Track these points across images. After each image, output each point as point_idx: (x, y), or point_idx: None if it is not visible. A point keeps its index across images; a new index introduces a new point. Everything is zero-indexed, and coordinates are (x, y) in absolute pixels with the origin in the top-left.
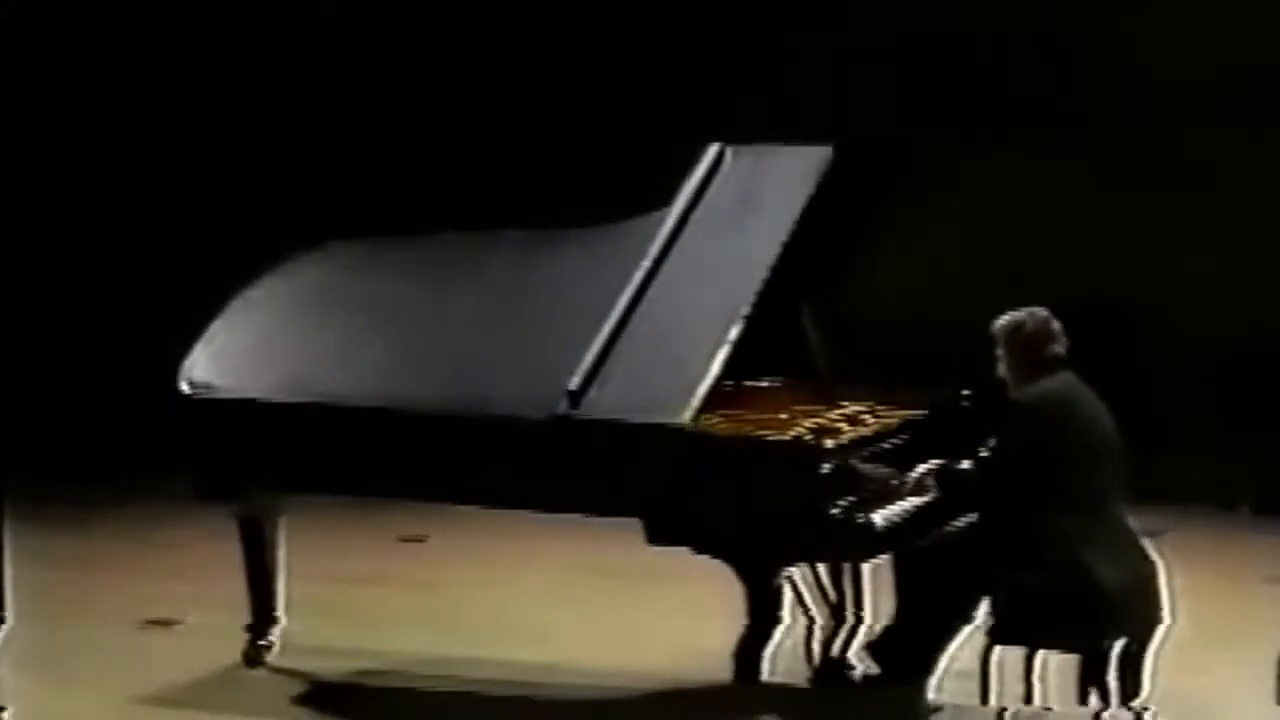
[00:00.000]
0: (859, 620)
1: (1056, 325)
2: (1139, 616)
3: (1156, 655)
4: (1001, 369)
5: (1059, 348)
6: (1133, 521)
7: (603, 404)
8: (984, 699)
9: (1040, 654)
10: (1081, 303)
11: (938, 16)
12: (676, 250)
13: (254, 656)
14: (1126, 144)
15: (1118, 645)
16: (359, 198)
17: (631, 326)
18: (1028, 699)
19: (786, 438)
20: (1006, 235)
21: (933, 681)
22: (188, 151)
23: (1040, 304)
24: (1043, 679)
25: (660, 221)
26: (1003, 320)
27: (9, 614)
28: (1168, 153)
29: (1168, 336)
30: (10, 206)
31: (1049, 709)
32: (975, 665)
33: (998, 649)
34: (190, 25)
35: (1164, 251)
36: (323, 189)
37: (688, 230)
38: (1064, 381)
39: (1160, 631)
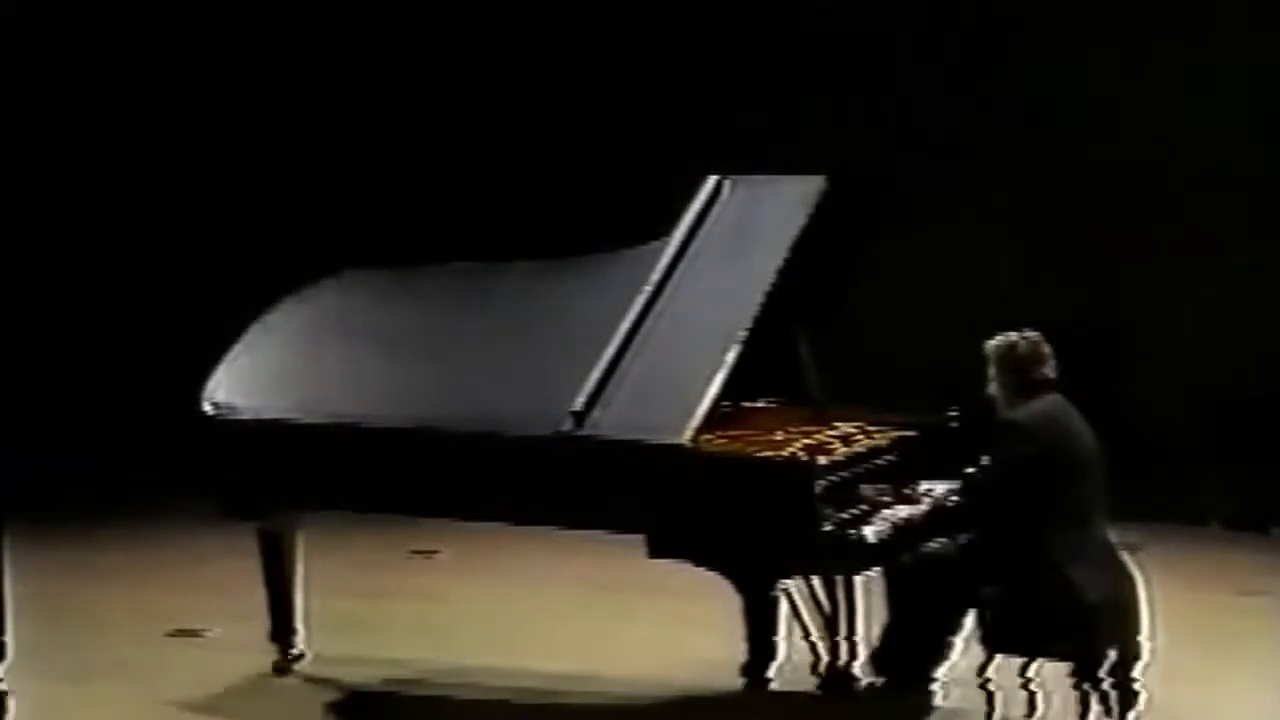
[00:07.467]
0: (853, 631)
1: (1048, 348)
2: (1121, 628)
3: (1147, 666)
4: (992, 388)
5: (1049, 370)
6: (1112, 536)
7: (606, 424)
8: (987, 707)
9: (1040, 664)
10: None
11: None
12: (677, 277)
13: (283, 666)
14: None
15: (1109, 655)
16: (374, 228)
17: (634, 350)
18: (1030, 709)
19: (781, 456)
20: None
21: (935, 690)
22: (217, 169)
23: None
24: (1046, 690)
25: (661, 250)
26: (996, 341)
27: (9, 645)
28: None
29: (1144, 363)
30: (45, 219)
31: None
32: (975, 674)
33: (998, 658)
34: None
35: (1140, 278)
36: (339, 219)
37: (687, 258)
38: (1052, 402)
39: (1143, 642)
